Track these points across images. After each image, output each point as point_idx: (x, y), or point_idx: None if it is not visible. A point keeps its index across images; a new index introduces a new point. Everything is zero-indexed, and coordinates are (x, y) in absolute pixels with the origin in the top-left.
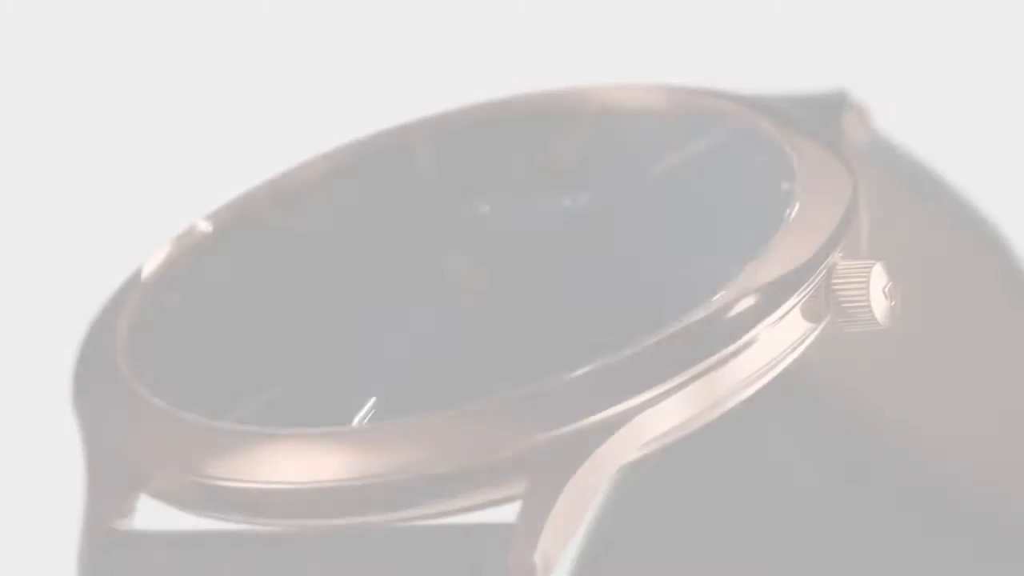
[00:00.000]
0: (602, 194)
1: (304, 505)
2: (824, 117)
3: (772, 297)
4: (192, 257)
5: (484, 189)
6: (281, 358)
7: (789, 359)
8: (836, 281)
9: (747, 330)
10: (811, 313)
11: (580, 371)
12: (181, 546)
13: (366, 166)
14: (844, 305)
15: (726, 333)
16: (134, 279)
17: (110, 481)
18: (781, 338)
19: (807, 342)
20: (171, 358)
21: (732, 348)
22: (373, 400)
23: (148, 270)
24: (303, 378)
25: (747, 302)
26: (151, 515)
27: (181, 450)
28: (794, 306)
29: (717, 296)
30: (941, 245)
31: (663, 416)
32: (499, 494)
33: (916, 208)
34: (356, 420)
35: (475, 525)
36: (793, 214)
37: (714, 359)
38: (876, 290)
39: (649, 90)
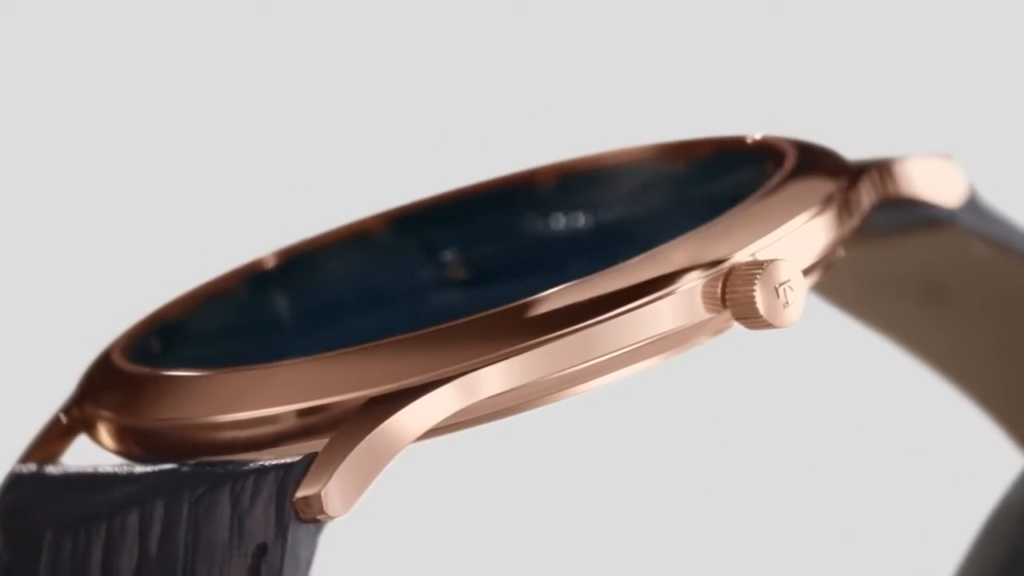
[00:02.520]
0: (632, 210)
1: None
2: (859, 168)
3: (650, 284)
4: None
5: (554, 208)
6: (251, 332)
7: (675, 350)
8: (731, 277)
9: (599, 311)
10: (710, 304)
11: (422, 331)
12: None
13: (489, 191)
14: (736, 299)
15: (582, 309)
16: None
17: (49, 428)
18: (652, 323)
19: (703, 336)
20: (171, 335)
21: (584, 324)
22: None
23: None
24: (255, 343)
25: (612, 283)
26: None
27: (100, 393)
28: (665, 295)
29: (589, 275)
30: None
31: (482, 385)
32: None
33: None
34: None
35: (281, 464)
36: (722, 218)
37: (556, 333)
38: (766, 287)
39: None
